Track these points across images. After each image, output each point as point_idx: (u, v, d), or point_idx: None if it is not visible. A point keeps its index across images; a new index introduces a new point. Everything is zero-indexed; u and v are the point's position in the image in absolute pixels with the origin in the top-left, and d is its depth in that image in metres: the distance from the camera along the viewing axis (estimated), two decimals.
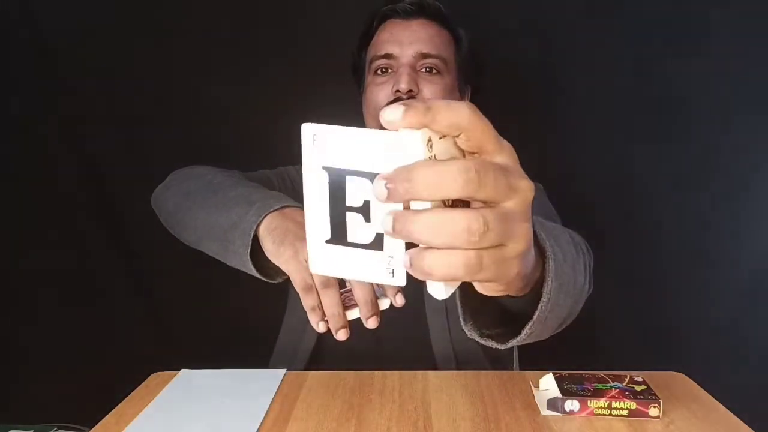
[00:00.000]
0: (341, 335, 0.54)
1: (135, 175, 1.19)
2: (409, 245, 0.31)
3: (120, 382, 0.70)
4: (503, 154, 0.32)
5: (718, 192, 1.10)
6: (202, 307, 1.19)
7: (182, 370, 0.74)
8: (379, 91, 0.87)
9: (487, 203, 0.30)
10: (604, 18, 1.10)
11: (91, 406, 0.65)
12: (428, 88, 0.86)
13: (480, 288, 0.38)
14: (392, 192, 0.29)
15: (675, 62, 1.08)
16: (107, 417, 0.63)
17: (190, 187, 0.77)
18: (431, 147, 0.30)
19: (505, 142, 0.32)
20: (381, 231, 0.32)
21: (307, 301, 0.55)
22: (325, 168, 0.32)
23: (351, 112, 1.03)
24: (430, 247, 0.29)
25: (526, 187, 0.31)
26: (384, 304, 0.54)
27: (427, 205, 0.29)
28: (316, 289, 0.55)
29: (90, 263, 1.21)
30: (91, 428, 0.61)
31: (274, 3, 1.14)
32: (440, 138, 0.30)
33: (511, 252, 0.31)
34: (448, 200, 0.29)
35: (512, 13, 1.12)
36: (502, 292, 0.38)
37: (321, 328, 0.55)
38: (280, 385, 0.69)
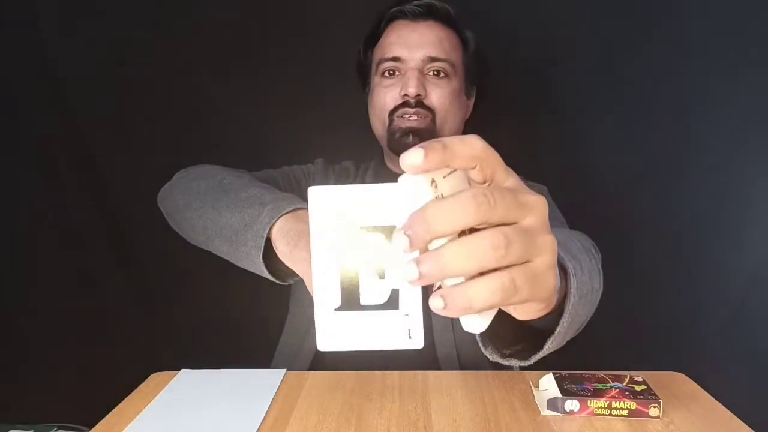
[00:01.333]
0: None
1: (135, 175, 1.20)
2: (426, 300, 0.31)
3: (120, 382, 0.70)
4: (511, 179, 0.33)
5: (718, 192, 1.10)
6: (202, 307, 1.19)
7: (182, 370, 0.74)
8: (386, 93, 0.87)
9: (503, 224, 0.30)
10: (604, 18, 1.10)
11: (91, 406, 0.65)
12: (435, 92, 0.86)
13: (519, 313, 0.38)
14: (413, 238, 0.29)
15: (675, 62, 1.08)
16: (107, 417, 0.63)
17: (200, 186, 0.76)
18: (436, 187, 0.31)
19: (510, 169, 0.34)
20: (397, 287, 0.32)
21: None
22: (333, 230, 0.32)
23: (351, 112, 1.03)
24: (459, 285, 0.30)
25: (538, 203, 0.32)
26: None
27: (445, 241, 0.29)
28: None
29: (90, 263, 1.21)
30: (91, 428, 0.61)
31: (275, 2, 1.14)
32: (444, 177, 0.31)
33: (541, 266, 0.32)
34: (465, 231, 0.30)
35: (513, 13, 1.12)
36: (543, 311, 0.38)
37: None
38: (280, 385, 0.69)
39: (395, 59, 0.87)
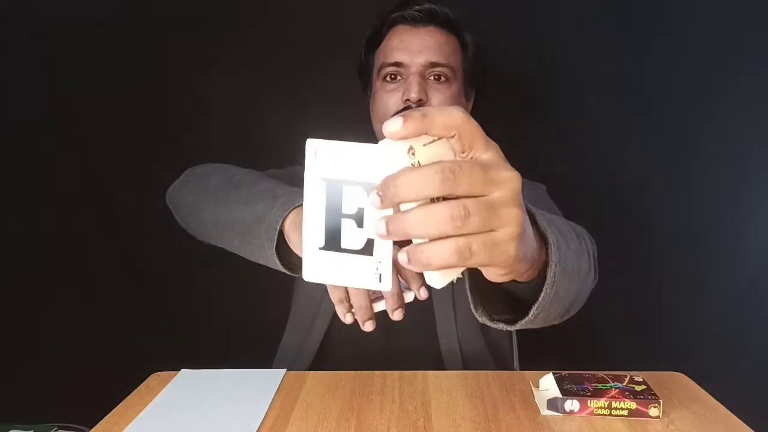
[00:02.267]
0: (368, 326, 0.56)
1: (136, 175, 1.20)
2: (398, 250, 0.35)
3: (120, 382, 0.70)
4: (490, 151, 0.36)
5: (719, 192, 1.10)
6: (202, 307, 1.19)
7: (182, 370, 0.74)
8: (388, 98, 0.88)
9: (469, 196, 0.33)
10: (604, 18, 1.10)
11: (91, 406, 0.65)
12: (436, 97, 0.87)
13: (486, 274, 0.41)
14: (383, 198, 0.33)
15: (675, 62, 1.08)
16: (107, 417, 0.63)
17: (210, 183, 0.78)
18: (413, 155, 0.34)
19: (492, 141, 0.36)
20: (373, 237, 0.36)
21: (335, 294, 0.57)
22: (323, 179, 0.36)
23: (351, 111, 1.03)
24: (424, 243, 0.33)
25: (510, 177, 0.35)
26: (408, 297, 0.56)
27: (414, 205, 0.33)
28: None
29: (90, 263, 1.21)
30: (91, 428, 0.61)
31: (276, 2, 1.14)
32: (425, 145, 0.34)
33: (503, 236, 0.35)
34: (435, 199, 0.33)
35: (512, 14, 1.12)
36: (507, 276, 0.41)
37: (348, 319, 0.57)
38: (280, 385, 0.69)
39: (397, 64, 0.88)
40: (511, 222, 0.35)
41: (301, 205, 0.62)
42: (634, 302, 1.15)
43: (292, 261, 0.64)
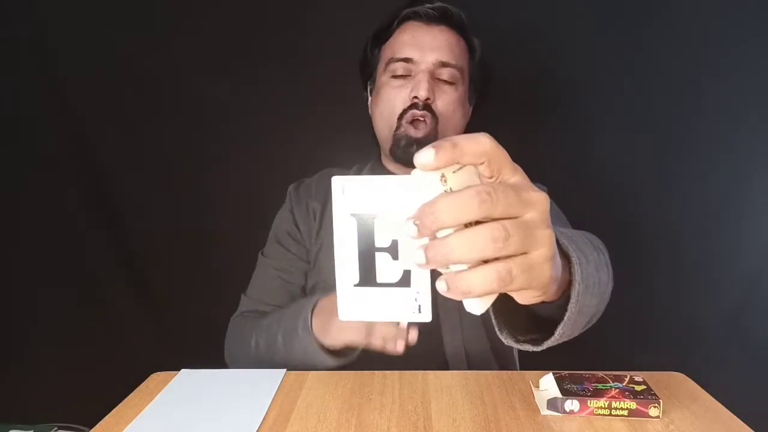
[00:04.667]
0: (413, 336, 0.66)
1: (136, 176, 1.20)
2: (434, 280, 0.35)
3: (120, 382, 0.70)
4: (517, 174, 0.36)
5: (718, 192, 1.10)
6: (202, 307, 1.19)
7: (182, 370, 0.74)
8: (396, 94, 0.86)
9: (505, 218, 0.34)
10: (604, 19, 1.10)
11: (91, 406, 0.65)
12: (443, 98, 0.86)
13: (519, 298, 0.41)
14: (421, 227, 0.33)
15: (674, 63, 1.08)
16: (107, 417, 0.63)
17: (250, 357, 0.84)
18: (446, 182, 0.34)
19: (517, 165, 0.36)
20: (409, 268, 0.36)
21: (376, 344, 0.67)
22: (353, 215, 0.37)
23: (350, 112, 1.03)
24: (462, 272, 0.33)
25: (539, 199, 0.36)
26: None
27: (451, 231, 0.33)
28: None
29: (90, 263, 1.21)
30: (91, 428, 0.61)
31: (277, 2, 1.14)
32: (454, 172, 0.35)
33: (538, 258, 0.35)
34: (471, 224, 0.33)
35: (516, 16, 1.12)
36: (539, 298, 0.40)
37: (400, 347, 0.66)
38: (280, 385, 0.69)
39: (407, 60, 0.86)
40: (544, 243, 0.35)
41: (311, 315, 0.73)
42: (634, 302, 1.15)
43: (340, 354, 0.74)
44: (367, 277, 0.37)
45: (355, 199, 0.36)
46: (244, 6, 1.14)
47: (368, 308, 0.37)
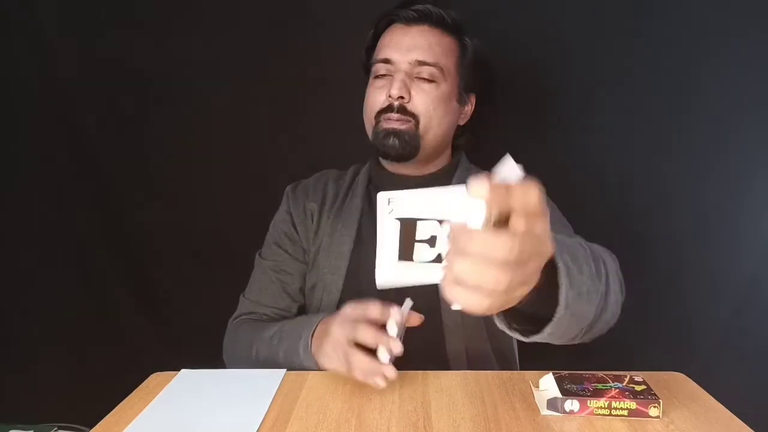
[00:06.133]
0: (390, 372, 0.64)
1: (136, 176, 1.20)
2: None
3: (120, 382, 0.70)
4: (545, 224, 0.41)
5: (718, 192, 1.09)
6: (202, 307, 1.20)
7: (182, 370, 0.74)
8: (376, 95, 0.89)
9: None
10: (603, 19, 1.10)
11: (91, 406, 0.65)
12: (420, 96, 0.87)
13: None
14: (451, 245, 0.40)
15: (673, 62, 1.08)
16: (107, 417, 0.63)
17: (249, 364, 0.83)
18: (486, 213, 0.38)
19: (547, 210, 0.41)
20: (443, 251, 0.46)
21: (357, 377, 0.66)
22: (397, 218, 0.47)
23: (349, 112, 1.04)
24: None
25: (548, 250, 0.43)
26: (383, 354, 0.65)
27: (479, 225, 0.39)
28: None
29: (90, 263, 1.21)
30: (91, 428, 0.61)
31: (277, 3, 1.14)
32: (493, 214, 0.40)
33: (518, 295, 0.42)
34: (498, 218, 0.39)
35: (515, 18, 1.12)
36: (503, 308, 0.45)
37: (380, 383, 0.64)
38: (280, 385, 0.69)
39: (386, 61, 0.89)
40: (531, 281, 0.42)
41: (312, 337, 0.73)
42: (635, 302, 1.15)
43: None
44: (406, 257, 0.47)
45: (400, 207, 0.47)
46: (244, 6, 1.14)
47: (404, 278, 0.48)
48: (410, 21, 0.90)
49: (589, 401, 0.60)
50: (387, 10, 0.92)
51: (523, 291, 0.42)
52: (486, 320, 0.84)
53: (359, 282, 0.87)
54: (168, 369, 0.74)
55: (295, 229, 0.94)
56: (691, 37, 1.06)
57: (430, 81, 0.88)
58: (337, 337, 0.67)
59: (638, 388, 0.62)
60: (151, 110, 1.17)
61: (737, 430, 0.58)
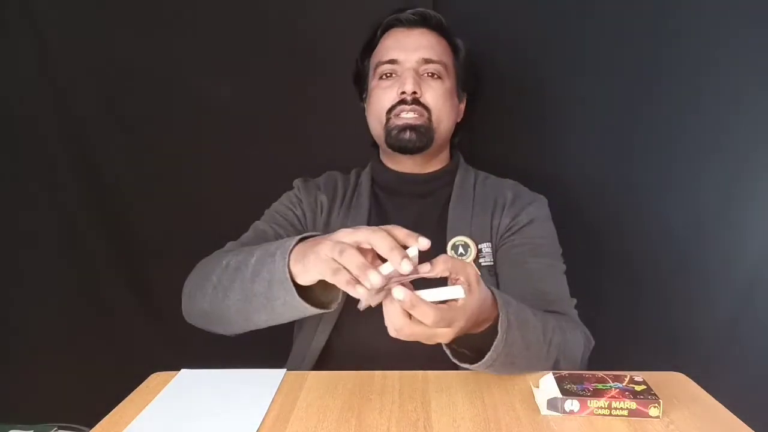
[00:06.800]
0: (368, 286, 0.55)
1: (136, 176, 1.20)
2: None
3: (120, 382, 0.70)
4: (481, 296, 0.59)
5: (718, 192, 1.09)
6: None
7: (182, 370, 0.74)
8: (384, 94, 0.91)
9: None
10: (600, 20, 1.10)
11: (91, 406, 0.65)
12: (430, 92, 0.90)
13: None
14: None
15: (672, 62, 1.08)
16: (107, 417, 0.63)
17: (211, 283, 0.76)
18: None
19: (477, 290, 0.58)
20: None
21: (339, 279, 0.57)
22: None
23: (350, 112, 1.04)
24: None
25: (460, 325, 0.57)
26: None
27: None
28: (341, 265, 0.57)
29: (90, 263, 1.21)
30: (91, 428, 0.61)
31: (277, 4, 1.14)
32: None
33: (438, 339, 0.58)
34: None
35: (511, 21, 1.12)
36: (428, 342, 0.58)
37: (362, 306, 0.58)
38: (280, 385, 0.69)
39: (392, 61, 0.92)
40: (444, 338, 0.58)
41: (295, 245, 0.65)
42: (635, 302, 1.15)
43: (316, 299, 0.66)
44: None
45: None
46: (244, 6, 1.14)
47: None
48: (411, 24, 0.93)
49: (589, 401, 0.60)
50: (387, 19, 0.95)
51: (442, 340, 0.58)
52: None
53: None
54: (168, 369, 0.74)
55: (303, 212, 0.94)
56: (691, 36, 1.06)
57: (436, 78, 0.91)
58: (332, 239, 0.60)
59: (638, 388, 0.62)
60: (151, 110, 1.17)
61: (737, 430, 0.58)
